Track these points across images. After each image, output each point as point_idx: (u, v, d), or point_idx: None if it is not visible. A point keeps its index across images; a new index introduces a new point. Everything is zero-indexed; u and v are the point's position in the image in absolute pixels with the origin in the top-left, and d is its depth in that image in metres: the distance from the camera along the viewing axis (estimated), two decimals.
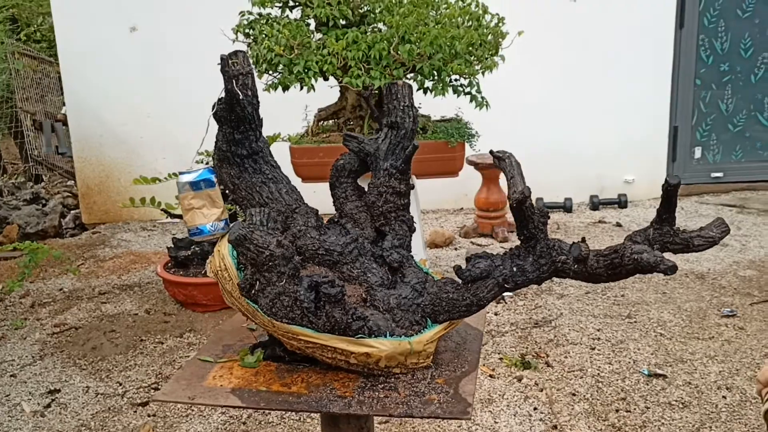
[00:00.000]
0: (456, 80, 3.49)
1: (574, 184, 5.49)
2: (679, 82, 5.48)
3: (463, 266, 1.52)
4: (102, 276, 4.46)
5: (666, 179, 1.39)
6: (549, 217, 1.55)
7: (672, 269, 1.29)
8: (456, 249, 4.64)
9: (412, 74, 3.39)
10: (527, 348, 3.26)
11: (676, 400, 2.79)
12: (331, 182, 1.71)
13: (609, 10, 5.24)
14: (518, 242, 1.55)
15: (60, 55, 5.44)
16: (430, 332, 1.50)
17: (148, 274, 4.44)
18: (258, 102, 1.64)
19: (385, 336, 1.45)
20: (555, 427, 2.64)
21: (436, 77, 3.36)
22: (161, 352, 3.39)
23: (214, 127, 1.66)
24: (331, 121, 3.88)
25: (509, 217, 5.04)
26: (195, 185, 1.60)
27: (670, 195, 1.38)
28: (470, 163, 4.56)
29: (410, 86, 1.69)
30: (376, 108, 3.55)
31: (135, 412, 2.89)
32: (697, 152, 5.63)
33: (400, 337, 1.46)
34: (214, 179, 1.62)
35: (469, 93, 3.46)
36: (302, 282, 1.44)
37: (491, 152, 1.58)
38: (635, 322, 3.50)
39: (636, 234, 1.45)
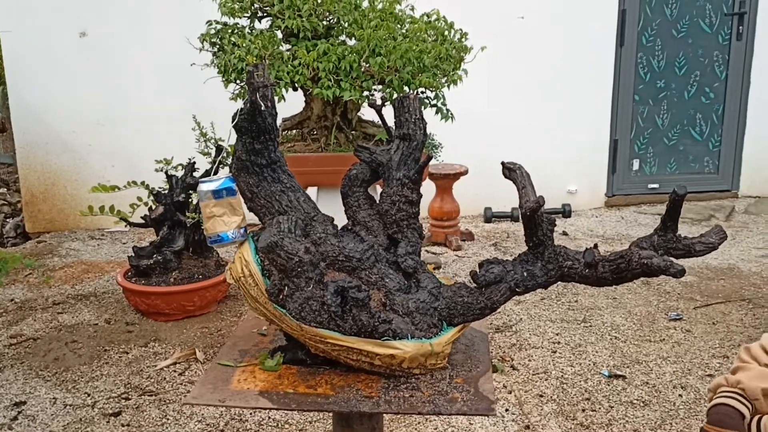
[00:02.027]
0: (422, 92, 3.59)
1: None
2: (619, 97, 5.75)
3: (477, 271, 1.61)
4: (54, 286, 4.35)
5: (674, 189, 1.50)
6: (555, 224, 1.66)
7: (681, 272, 1.41)
8: None
9: (381, 86, 3.47)
10: (492, 352, 3.38)
11: (636, 399, 2.95)
12: (343, 191, 1.77)
13: (555, 27, 5.46)
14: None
15: (5, 59, 5.28)
16: (448, 334, 1.58)
17: (103, 283, 4.37)
18: (276, 113, 1.69)
19: (408, 338, 1.52)
20: (528, 426, 2.76)
21: (404, 90, 3.45)
22: (127, 361, 3.35)
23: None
24: (295, 131, 3.92)
25: (462, 226, 5.19)
26: (217, 193, 1.64)
27: (675, 204, 1.50)
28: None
29: (421, 99, 1.78)
30: (342, 121, 3.63)
31: (108, 422, 2.85)
32: (635, 164, 5.91)
33: (422, 339, 1.54)
34: (235, 188, 1.66)
35: (435, 105, 3.57)
36: (329, 287, 1.50)
37: (502, 163, 1.68)
38: (590, 326, 3.67)
39: (642, 240, 1.57)
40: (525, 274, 1.62)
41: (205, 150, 3.95)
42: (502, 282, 1.60)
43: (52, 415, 2.91)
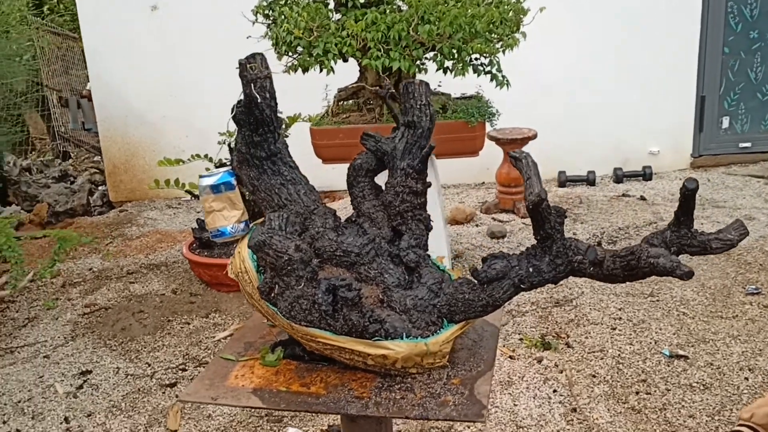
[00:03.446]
0: (476, 59, 3.46)
1: (597, 157, 5.45)
2: (707, 50, 5.37)
3: (479, 266, 1.54)
4: (130, 255, 4.55)
5: (684, 183, 1.38)
6: (566, 217, 1.55)
7: (688, 275, 1.30)
8: (477, 225, 4.65)
9: (432, 54, 3.37)
10: (548, 328, 3.28)
11: (697, 382, 2.80)
12: (348, 181, 1.72)
13: None
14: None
15: (83, 35, 5.47)
16: (446, 333, 1.52)
17: (174, 253, 4.52)
18: (276, 104, 1.66)
19: (402, 338, 1.48)
20: (574, 409, 2.67)
21: (456, 57, 3.34)
22: (188, 332, 3.46)
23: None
24: (351, 101, 3.88)
25: None
26: (215, 188, 1.63)
27: (687, 198, 1.38)
28: (491, 138, 4.54)
29: (427, 84, 1.69)
30: (392, 102, 3.55)
31: (164, 393, 2.97)
32: (725, 122, 5.54)
33: (417, 338, 1.49)
34: (234, 182, 1.65)
35: (489, 72, 3.44)
36: (320, 285, 1.47)
37: (509, 153, 1.58)
38: (658, 300, 3.50)
39: (653, 236, 1.45)
40: (531, 269, 1.53)
41: None
42: (506, 278, 1.52)
43: (114, 384, 3.05)
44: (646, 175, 5.39)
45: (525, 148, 4.76)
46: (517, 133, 4.67)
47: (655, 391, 2.76)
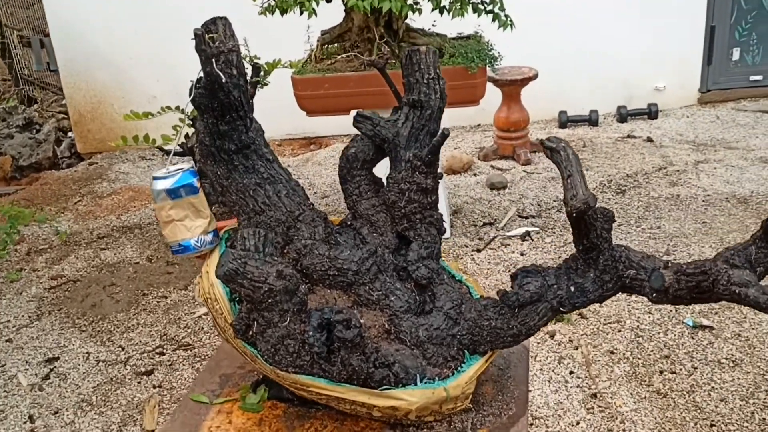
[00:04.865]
0: None
1: (599, 95, 5.09)
2: None
3: (507, 287, 1.23)
4: (100, 216, 4.20)
5: None
6: (614, 220, 1.24)
7: None
8: (475, 175, 4.32)
9: None
10: None
11: (725, 358, 2.54)
12: (341, 175, 1.39)
13: None
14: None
15: None
16: (470, 371, 1.23)
17: (148, 213, 4.18)
18: (246, 82, 1.31)
19: (415, 383, 1.18)
20: (594, 395, 2.42)
21: None
22: (165, 308, 3.17)
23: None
24: (336, 45, 3.49)
25: (533, 135, 4.69)
26: (173, 193, 1.29)
27: None
28: (489, 79, 4.17)
29: (436, 52, 1.34)
30: (387, 32, 3.17)
31: (139, 383, 2.69)
32: (736, 53, 5.17)
33: (433, 382, 1.19)
34: (196, 183, 1.31)
35: (491, 12, 3.05)
36: (311, 319, 1.16)
37: (541, 142, 1.25)
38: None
39: (733, 253, 1.13)
40: (572, 288, 1.23)
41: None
42: (542, 300, 1.22)
43: (83, 373, 2.76)
44: (651, 113, 5.05)
45: (525, 89, 4.43)
46: (517, 73, 4.30)
47: (680, 369, 2.51)
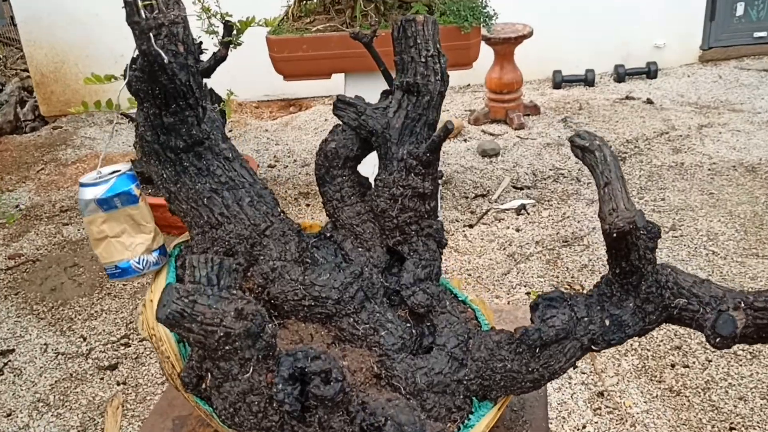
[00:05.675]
0: None
1: (596, 53, 4.80)
2: None
3: (528, 328, 0.99)
4: (63, 187, 3.90)
5: None
6: (660, 236, 0.99)
7: None
8: (466, 141, 4.05)
9: None
10: (558, 277, 2.78)
11: (742, 349, 2.34)
12: (318, 175, 1.13)
13: None
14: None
15: None
16: (480, 425, 0.99)
17: None
18: (197, 61, 1.03)
19: None
20: (601, 393, 2.21)
21: None
22: (131, 292, 2.91)
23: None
24: (315, 0, 3.17)
25: (526, 96, 4.42)
26: (105, 203, 1.03)
27: None
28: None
29: (435, 22, 1.07)
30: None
31: (102, 379, 2.45)
32: (739, 8, 4.89)
33: None
34: (136, 191, 1.05)
35: None
36: (280, 367, 0.91)
37: (570, 140, 0.99)
38: (681, 236, 3.00)
39: None
40: (607, 322, 0.99)
41: (211, 29, 3.27)
42: (569, 338, 0.98)
43: (41, 368, 2.52)
44: (650, 72, 4.78)
45: (518, 48, 4.13)
46: (511, 31, 4.01)
47: (693, 363, 2.30)
